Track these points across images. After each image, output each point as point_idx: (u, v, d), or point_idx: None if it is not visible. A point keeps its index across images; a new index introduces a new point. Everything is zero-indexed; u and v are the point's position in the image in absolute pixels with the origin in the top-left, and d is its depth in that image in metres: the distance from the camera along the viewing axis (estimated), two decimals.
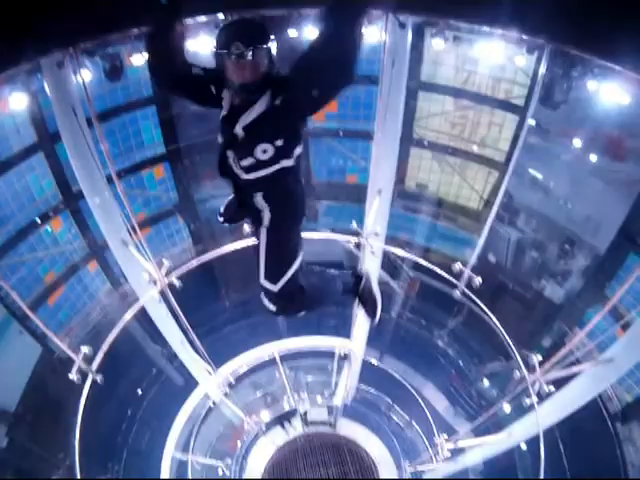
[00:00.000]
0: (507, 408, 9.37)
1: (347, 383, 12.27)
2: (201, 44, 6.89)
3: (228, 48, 2.55)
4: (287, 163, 2.83)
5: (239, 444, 12.61)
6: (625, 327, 6.65)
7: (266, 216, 3.03)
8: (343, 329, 11.66)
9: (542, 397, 6.95)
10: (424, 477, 11.80)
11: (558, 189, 11.00)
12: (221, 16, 6.27)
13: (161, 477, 10.21)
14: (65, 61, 5.98)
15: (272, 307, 3.28)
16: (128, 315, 8.44)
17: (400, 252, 10.17)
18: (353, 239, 8.18)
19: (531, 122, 9.48)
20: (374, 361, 13.17)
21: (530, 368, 6.99)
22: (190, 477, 11.40)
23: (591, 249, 10.69)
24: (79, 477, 7.54)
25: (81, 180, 7.08)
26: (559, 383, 6.88)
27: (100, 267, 12.10)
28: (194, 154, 12.55)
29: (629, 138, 9.26)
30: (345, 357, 11.94)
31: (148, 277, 7.75)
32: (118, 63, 7.70)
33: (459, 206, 13.34)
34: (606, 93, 6.77)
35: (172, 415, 11.30)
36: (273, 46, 2.63)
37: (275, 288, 3.17)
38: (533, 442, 9.96)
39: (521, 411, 8.03)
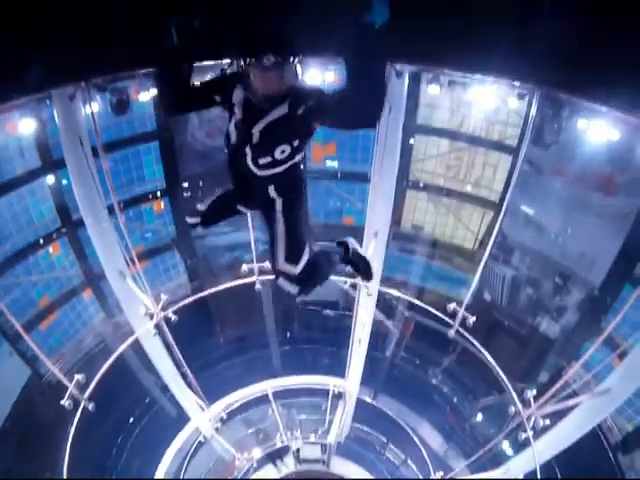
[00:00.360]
0: (503, 444, 9.27)
1: (341, 421, 12.04)
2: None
3: (259, 59, 2.63)
4: (299, 157, 3.05)
5: None
6: (622, 356, 6.68)
7: (279, 204, 3.22)
8: (338, 368, 11.65)
9: (538, 431, 6.89)
10: None
11: (552, 226, 11.15)
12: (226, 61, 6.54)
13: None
14: (76, 94, 6.22)
15: (294, 289, 3.34)
16: (122, 347, 8.44)
17: (395, 292, 10.28)
18: (349, 280, 8.33)
19: (524, 163, 9.75)
20: (368, 399, 12.96)
21: (525, 403, 6.98)
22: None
23: (586, 283, 10.76)
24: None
25: (83, 209, 7.19)
26: (556, 416, 6.85)
27: (95, 296, 11.98)
28: (195, 190, 12.52)
29: (619, 173, 9.47)
30: (339, 395, 11.81)
31: (145, 310, 7.78)
32: (125, 97, 7.89)
33: (454, 246, 13.43)
34: (595, 131, 6.99)
35: (163, 446, 11.08)
36: (298, 60, 2.76)
37: (297, 269, 3.28)
38: (531, 476, 9.76)
39: (518, 446, 7.95)
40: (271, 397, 12.19)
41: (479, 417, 12.73)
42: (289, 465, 12.68)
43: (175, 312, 8.03)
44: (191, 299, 9.41)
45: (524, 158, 9.31)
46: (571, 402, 6.76)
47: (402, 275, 13.55)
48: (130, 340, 8.64)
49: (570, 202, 10.34)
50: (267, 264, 7.96)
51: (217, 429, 11.18)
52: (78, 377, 7.21)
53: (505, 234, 11.75)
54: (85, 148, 6.65)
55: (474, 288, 8.43)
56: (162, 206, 12.85)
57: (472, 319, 7.68)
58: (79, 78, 5.93)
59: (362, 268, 4.08)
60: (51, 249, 10.99)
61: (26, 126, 7.16)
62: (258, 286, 8.38)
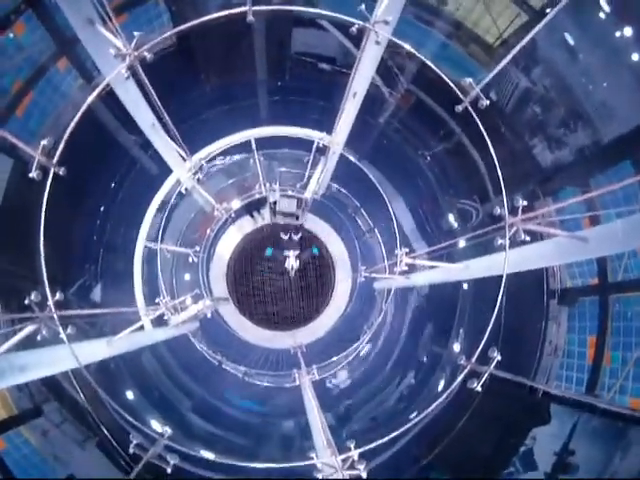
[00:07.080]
0: (469, 236, 9.19)
1: (320, 176, 11.24)
2: None
3: None
4: None
5: (209, 232, 12.51)
6: (593, 221, 6.02)
7: None
8: (327, 124, 10.04)
9: (514, 243, 6.58)
10: (375, 285, 11.91)
11: (588, 63, 9.36)
12: None
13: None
14: None
15: None
16: (92, 97, 7.19)
17: (407, 47, 8.62)
18: (357, 24, 6.45)
19: None
20: (352, 158, 11.93)
21: (514, 210, 6.49)
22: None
23: (594, 133, 9.48)
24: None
25: None
26: (532, 238, 6.49)
27: (71, 64, 10.15)
28: None
29: None
30: (323, 150, 10.58)
31: (116, 52, 6.38)
32: None
33: (474, 34, 11.32)
34: None
35: (146, 205, 10.63)
36: None
37: None
38: (477, 285, 9.99)
39: (483, 251, 7.77)
40: (254, 146, 11.20)
41: (454, 216, 12.28)
42: (265, 217, 12.88)
43: (152, 52, 6.57)
44: (168, 33, 7.78)
45: None
46: (553, 230, 6.28)
47: (412, 44, 11.66)
48: (101, 87, 7.14)
49: (619, 53, 8.55)
50: None
51: (199, 180, 10.64)
52: (44, 142, 6.08)
53: (537, 44, 9.74)
54: None
55: (490, 78, 6.87)
56: None
57: (486, 102, 6.21)
58: None
59: None
60: (16, 29, 8.88)
61: None
62: (250, 17, 6.58)
